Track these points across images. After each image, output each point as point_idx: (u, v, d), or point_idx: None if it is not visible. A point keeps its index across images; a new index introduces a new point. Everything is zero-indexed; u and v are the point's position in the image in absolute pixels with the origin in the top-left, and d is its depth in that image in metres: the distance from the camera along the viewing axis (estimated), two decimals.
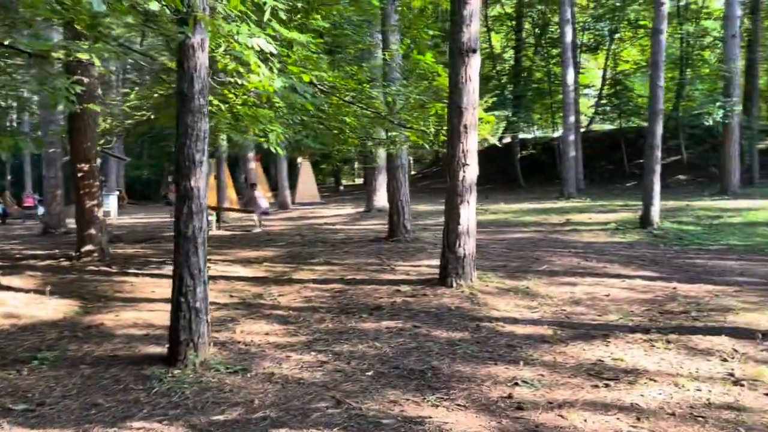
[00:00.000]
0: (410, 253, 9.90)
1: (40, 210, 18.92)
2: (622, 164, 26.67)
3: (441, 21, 17.20)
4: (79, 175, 8.82)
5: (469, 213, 6.93)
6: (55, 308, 6.19)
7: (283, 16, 5.83)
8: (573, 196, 19.83)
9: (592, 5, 26.79)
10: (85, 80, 8.72)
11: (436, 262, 8.84)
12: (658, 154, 11.58)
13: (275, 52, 5.06)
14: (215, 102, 5.94)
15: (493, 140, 7.73)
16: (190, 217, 4.16)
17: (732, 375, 4.17)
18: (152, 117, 9.99)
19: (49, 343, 4.98)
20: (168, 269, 8.65)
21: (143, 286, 7.32)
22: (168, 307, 6.21)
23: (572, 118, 20.30)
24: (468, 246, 6.93)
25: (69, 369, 4.24)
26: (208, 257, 9.89)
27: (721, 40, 24.12)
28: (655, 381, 4.08)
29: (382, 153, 17.42)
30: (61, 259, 8.89)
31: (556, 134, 29.62)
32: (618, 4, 23.87)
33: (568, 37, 20.05)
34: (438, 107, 7.70)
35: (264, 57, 5.15)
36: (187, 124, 4.15)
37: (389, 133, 7.83)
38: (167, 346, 4.37)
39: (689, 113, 18.80)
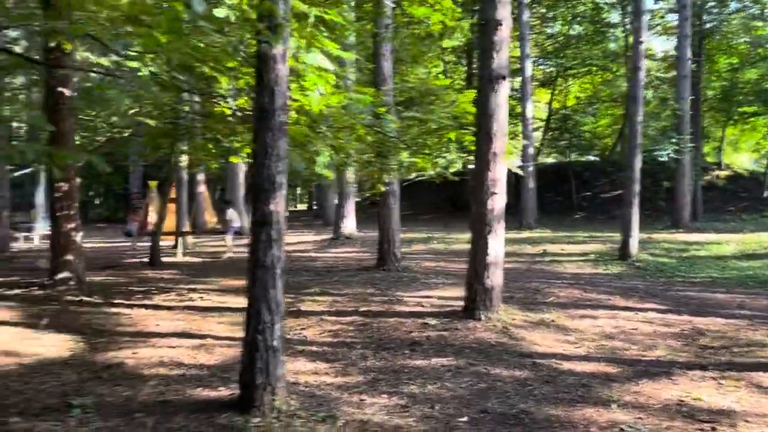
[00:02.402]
0: (405, 283, 9.58)
1: None
2: (570, 196, 27.49)
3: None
4: (57, 195, 8.03)
5: (497, 243, 6.74)
6: (54, 344, 5.48)
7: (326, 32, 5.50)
8: (532, 226, 20.13)
9: (543, 42, 27.76)
10: (67, 93, 8.02)
11: (441, 293, 8.62)
12: (637, 187, 11.88)
13: (333, 69, 4.74)
14: None
15: (516, 168, 7.58)
16: (269, 245, 3.73)
17: None
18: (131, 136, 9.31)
19: (73, 386, 4.33)
20: (159, 299, 8.01)
21: (142, 318, 6.65)
22: (186, 342, 5.70)
23: (532, 150, 20.73)
24: (496, 277, 6.71)
25: (122, 418, 3.65)
26: (192, 287, 9.26)
27: (663, 81, 25.57)
28: (749, 422, 3.95)
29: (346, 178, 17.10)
30: (33, 288, 8.01)
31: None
32: (572, 42, 24.84)
33: (528, 72, 20.58)
34: (453, 135, 7.52)
35: (321, 74, 4.80)
36: (267, 142, 3.74)
37: (407, 159, 7.56)
38: (237, 390, 3.86)
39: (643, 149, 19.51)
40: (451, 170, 7.68)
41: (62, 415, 3.71)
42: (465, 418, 3.82)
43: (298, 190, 47.73)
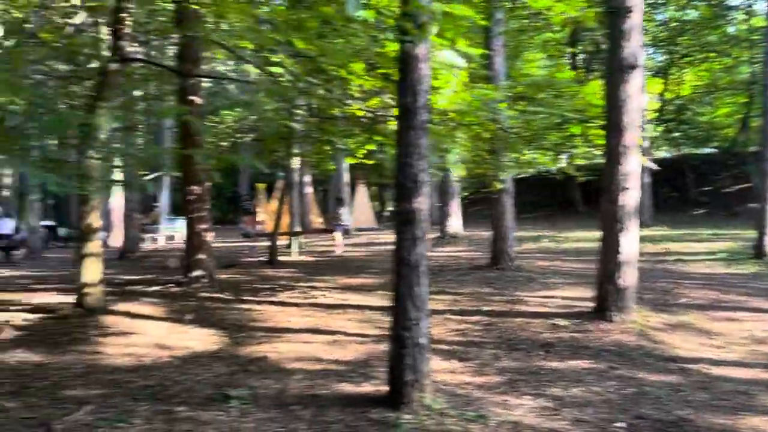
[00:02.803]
0: (522, 283, 9.36)
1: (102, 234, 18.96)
2: (687, 191, 25.87)
3: None
4: (190, 198, 8.53)
5: (629, 241, 6.44)
6: (200, 338, 5.82)
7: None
8: (648, 224, 19.05)
9: (654, 29, 26.27)
10: (198, 100, 8.50)
11: (563, 293, 8.35)
12: None
13: (464, 65, 4.69)
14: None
15: (649, 162, 7.21)
16: (414, 244, 3.74)
17: None
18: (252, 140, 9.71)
19: (225, 378, 4.57)
20: (283, 296, 8.31)
21: (274, 315, 6.92)
22: (319, 338, 5.86)
23: (646, 143, 19.66)
24: (628, 277, 6.41)
25: (279, 409, 3.81)
26: (312, 284, 9.52)
27: None
28: None
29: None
30: (170, 285, 8.56)
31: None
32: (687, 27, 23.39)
33: (640, 63, 19.54)
34: (577, 128, 7.25)
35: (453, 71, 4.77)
36: (410, 141, 3.75)
37: (527, 155, 7.39)
38: (380, 386, 3.92)
39: None
40: (556, 167, 7.39)
41: (223, 405, 3.91)
42: (623, 424, 3.65)
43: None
